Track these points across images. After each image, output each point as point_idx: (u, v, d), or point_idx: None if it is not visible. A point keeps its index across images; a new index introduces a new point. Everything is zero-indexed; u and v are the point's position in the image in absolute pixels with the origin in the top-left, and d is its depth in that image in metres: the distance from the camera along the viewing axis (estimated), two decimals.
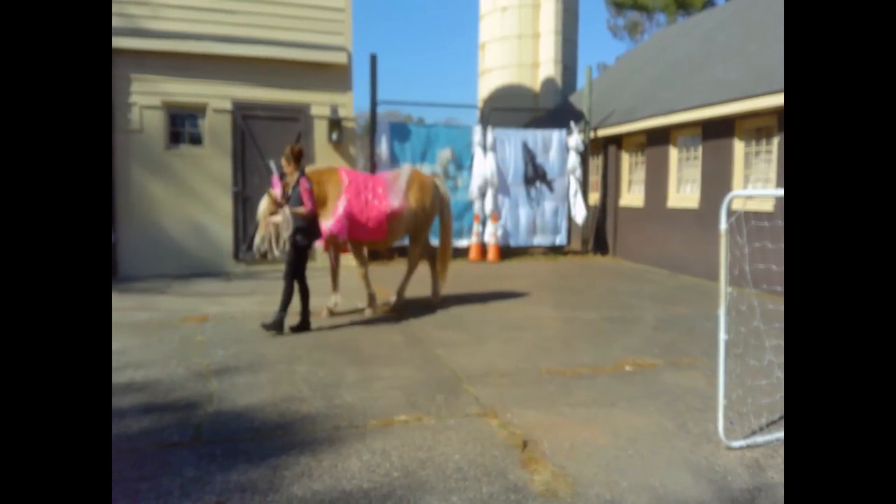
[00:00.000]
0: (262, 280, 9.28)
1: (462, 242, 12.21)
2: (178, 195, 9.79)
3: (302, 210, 5.92)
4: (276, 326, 5.96)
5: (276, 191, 6.11)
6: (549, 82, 20.62)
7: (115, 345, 5.54)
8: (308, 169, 6.41)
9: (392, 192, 6.78)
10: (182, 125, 10.00)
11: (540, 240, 12.68)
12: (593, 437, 3.63)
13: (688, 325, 6.56)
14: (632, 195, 12.39)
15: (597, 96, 14.21)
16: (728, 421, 3.61)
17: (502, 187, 12.23)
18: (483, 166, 11.98)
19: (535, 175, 12.53)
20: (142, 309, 7.17)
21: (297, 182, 5.98)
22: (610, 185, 12.93)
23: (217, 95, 9.94)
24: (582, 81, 19.19)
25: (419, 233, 7.24)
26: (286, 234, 5.93)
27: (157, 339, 5.78)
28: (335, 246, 6.85)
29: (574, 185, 12.54)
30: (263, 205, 6.10)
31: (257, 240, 6.06)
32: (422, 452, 3.39)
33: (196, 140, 10.08)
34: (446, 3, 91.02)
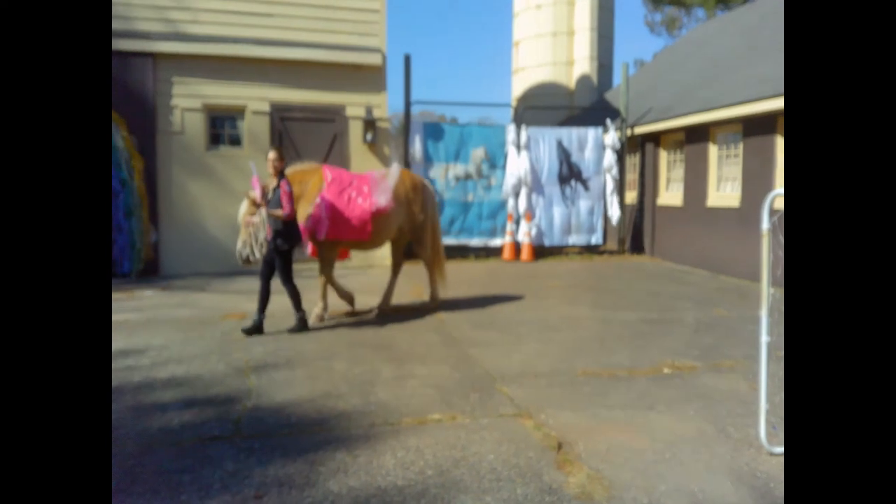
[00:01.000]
0: (299, 279, 9.34)
1: (495, 242, 12.17)
2: (218, 195, 10.01)
3: (279, 212, 5.78)
4: (300, 327, 6.09)
5: (255, 192, 5.95)
6: (584, 80, 20.38)
7: (158, 340, 5.71)
8: (291, 169, 6.28)
9: (378, 191, 6.52)
10: (222, 127, 10.24)
11: (575, 239, 12.54)
12: (630, 440, 3.58)
13: (729, 327, 6.40)
14: (670, 194, 12.16)
15: (634, 93, 13.99)
16: (770, 426, 3.51)
17: (536, 186, 12.14)
18: (517, 165, 11.92)
19: (570, 174, 12.39)
20: (183, 306, 7.36)
21: (278, 184, 5.89)
22: (647, 184, 12.71)
23: (255, 97, 10.14)
24: (618, 79, 18.90)
25: (416, 233, 7.03)
26: (261, 234, 5.86)
27: (198, 336, 5.92)
28: (324, 248, 6.50)
29: (610, 184, 12.38)
30: (243, 208, 6.00)
31: (239, 245, 5.98)
32: (456, 451, 3.39)
33: (235, 141, 10.30)
34: (480, 1, 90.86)
